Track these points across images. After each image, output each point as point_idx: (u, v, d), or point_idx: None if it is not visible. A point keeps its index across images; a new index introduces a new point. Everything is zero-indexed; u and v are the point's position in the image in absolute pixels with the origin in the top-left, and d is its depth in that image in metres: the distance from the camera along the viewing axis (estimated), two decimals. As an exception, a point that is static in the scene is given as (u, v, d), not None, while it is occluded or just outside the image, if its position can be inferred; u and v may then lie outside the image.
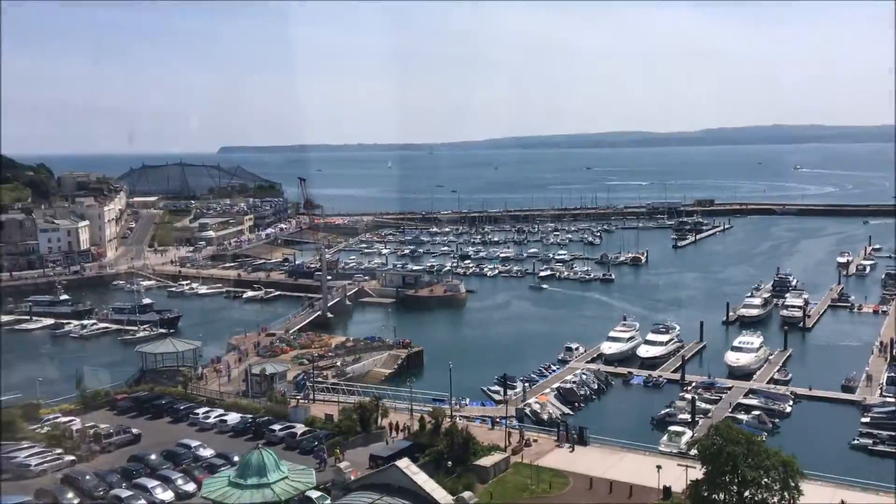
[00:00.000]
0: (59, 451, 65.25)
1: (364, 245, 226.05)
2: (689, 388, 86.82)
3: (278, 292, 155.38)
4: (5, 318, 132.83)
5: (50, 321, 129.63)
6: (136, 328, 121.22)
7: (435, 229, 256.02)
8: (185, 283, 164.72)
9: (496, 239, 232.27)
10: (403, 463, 45.39)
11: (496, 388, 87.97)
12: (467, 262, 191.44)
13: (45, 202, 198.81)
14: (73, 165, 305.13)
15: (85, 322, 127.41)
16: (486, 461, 59.75)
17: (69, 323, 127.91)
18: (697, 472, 47.10)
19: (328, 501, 51.47)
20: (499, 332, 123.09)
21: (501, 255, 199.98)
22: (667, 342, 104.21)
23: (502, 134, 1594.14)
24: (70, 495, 55.73)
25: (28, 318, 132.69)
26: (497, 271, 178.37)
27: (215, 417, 74.13)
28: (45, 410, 74.55)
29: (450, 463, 58.13)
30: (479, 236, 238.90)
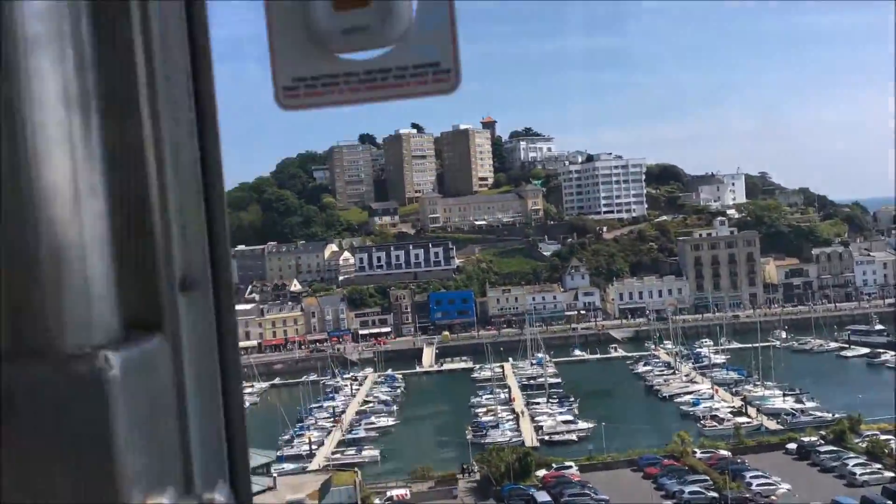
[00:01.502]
0: (878, 465, 70.62)
1: None
2: None
3: None
4: (830, 345, 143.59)
5: (866, 350, 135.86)
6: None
7: None
8: None
9: None
10: None
11: None
12: None
13: (860, 236, 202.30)
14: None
15: None
16: None
17: (885, 352, 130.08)
18: None
19: None
20: None
21: None
22: None
23: None
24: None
25: (847, 346, 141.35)
26: None
27: None
28: (865, 426, 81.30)
29: None
30: None
